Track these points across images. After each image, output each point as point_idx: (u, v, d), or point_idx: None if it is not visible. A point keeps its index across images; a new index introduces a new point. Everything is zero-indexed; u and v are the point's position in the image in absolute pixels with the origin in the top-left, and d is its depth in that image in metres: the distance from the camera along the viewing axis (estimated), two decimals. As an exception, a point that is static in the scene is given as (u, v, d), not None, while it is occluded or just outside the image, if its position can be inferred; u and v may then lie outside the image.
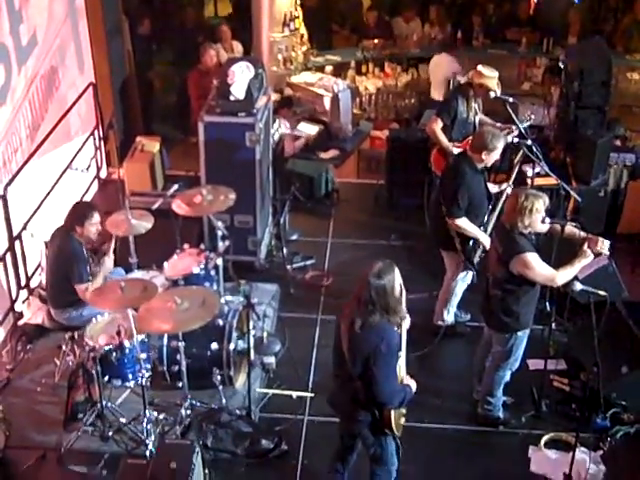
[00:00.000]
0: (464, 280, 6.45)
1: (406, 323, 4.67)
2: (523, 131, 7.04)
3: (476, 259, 6.16)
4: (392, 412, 4.49)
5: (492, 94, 7.18)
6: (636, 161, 7.79)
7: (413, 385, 4.65)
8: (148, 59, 10.55)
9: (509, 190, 6.33)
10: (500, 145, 5.97)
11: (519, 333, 5.43)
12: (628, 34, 11.21)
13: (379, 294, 4.30)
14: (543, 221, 5.26)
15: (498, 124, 7.31)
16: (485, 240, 6.05)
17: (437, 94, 10.04)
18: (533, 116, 7.44)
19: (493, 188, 6.35)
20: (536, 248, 5.23)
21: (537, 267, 5.16)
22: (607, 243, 5.26)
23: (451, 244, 6.22)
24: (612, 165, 7.77)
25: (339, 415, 4.83)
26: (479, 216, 6.12)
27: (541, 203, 5.16)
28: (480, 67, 7.19)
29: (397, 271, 4.40)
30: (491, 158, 6.01)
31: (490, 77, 7.10)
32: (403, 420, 4.73)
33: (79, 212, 5.91)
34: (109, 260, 6.06)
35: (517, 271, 5.18)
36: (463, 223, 6.02)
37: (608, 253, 5.34)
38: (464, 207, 5.97)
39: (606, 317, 5.36)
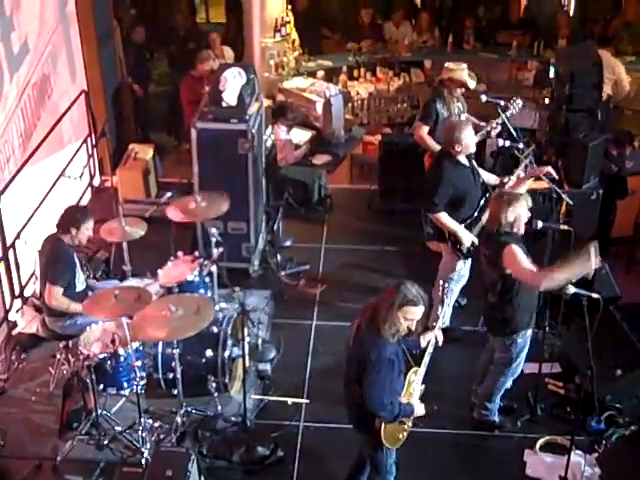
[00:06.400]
0: (459, 281, 6.48)
1: (431, 344, 4.75)
2: (514, 134, 7.08)
3: (464, 248, 6.18)
4: (383, 424, 4.44)
5: (483, 97, 7.28)
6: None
7: (419, 408, 4.62)
8: (142, 67, 10.50)
9: (511, 183, 6.30)
10: (464, 133, 6.02)
11: (519, 340, 5.40)
12: (618, 36, 11.26)
13: (384, 305, 4.31)
14: (530, 223, 5.26)
15: (482, 123, 7.32)
16: (464, 235, 6.08)
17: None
18: (520, 101, 7.36)
19: (494, 180, 6.38)
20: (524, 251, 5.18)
21: (520, 260, 5.02)
22: None
23: (444, 236, 6.26)
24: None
25: (347, 415, 4.78)
26: (467, 207, 6.14)
27: (523, 203, 5.16)
28: (447, 63, 7.30)
29: (421, 306, 4.35)
30: (465, 147, 6.05)
31: (457, 69, 7.19)
32: (403, 435, 4.65)
33: (73, 216, 5.85)
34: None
35: (505, 266, 5.10)
36: (442, 217, 6.06)
37: None
38: (442, 202, 6.02)
39: (600, 320, 5.36)
